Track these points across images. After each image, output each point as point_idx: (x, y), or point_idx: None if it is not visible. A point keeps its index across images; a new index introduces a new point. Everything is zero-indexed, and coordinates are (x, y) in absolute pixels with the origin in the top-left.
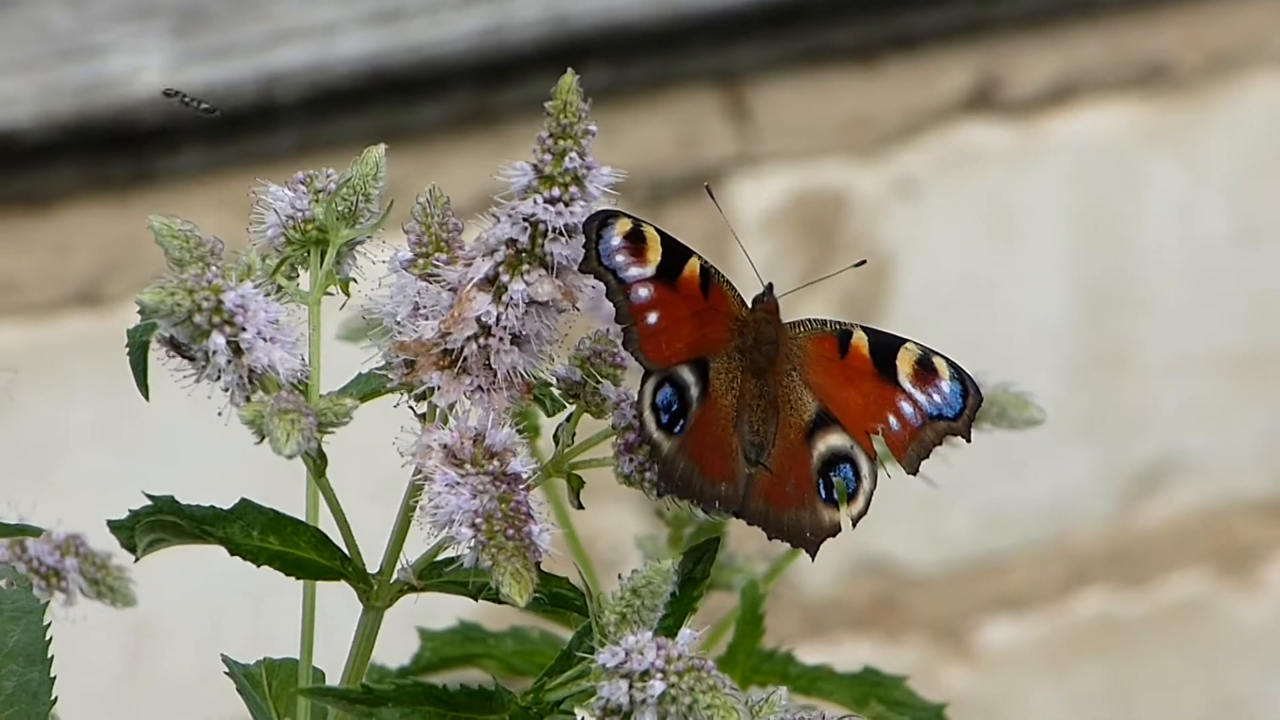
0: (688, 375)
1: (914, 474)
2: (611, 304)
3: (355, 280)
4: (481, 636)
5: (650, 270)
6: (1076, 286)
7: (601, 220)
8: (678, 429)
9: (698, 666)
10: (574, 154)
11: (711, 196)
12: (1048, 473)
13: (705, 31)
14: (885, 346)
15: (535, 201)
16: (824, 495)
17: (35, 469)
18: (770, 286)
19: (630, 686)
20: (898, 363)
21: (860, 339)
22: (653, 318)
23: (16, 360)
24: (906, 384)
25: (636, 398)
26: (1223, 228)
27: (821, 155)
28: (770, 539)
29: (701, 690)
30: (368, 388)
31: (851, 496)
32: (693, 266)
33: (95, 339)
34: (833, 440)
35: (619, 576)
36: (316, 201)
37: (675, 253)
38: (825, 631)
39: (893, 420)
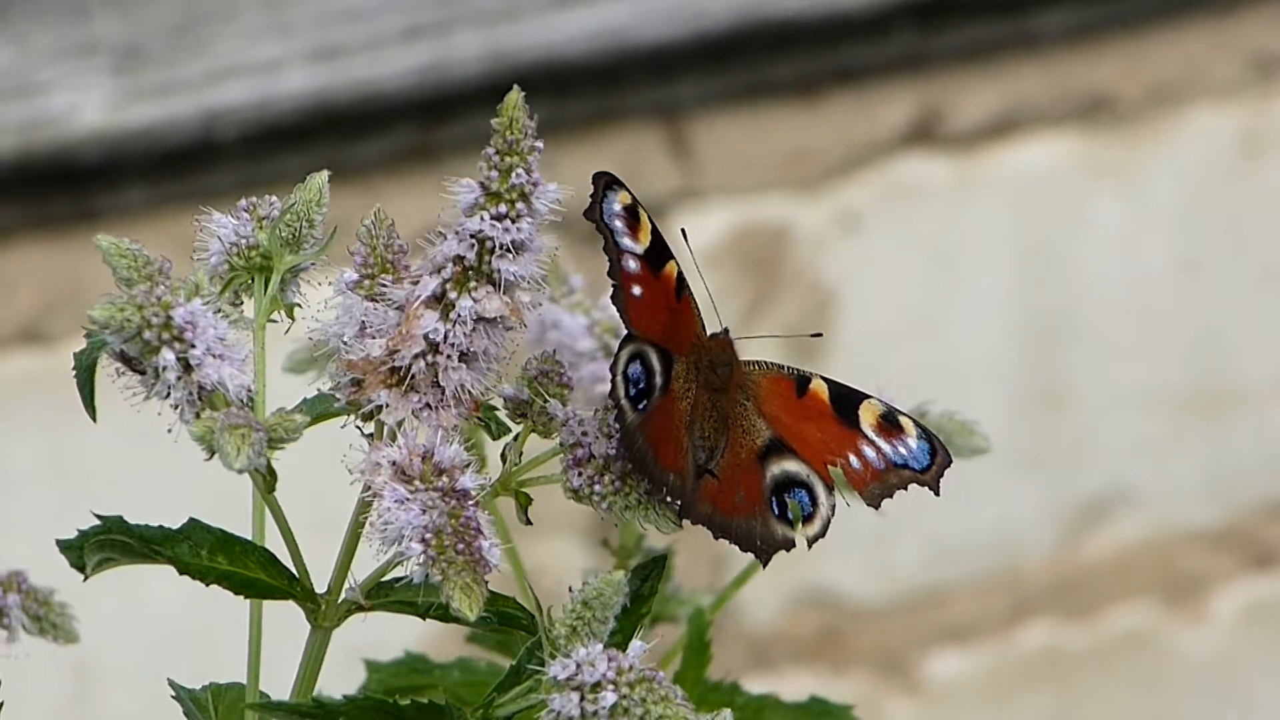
0: (655, 362)
1: (875, 508)
2: (606, 258)
3: (300, 305)
4: (428, 668)
5: (639, 248)
6: (1019, 320)
7: (608, 181)
8: (641, 406)
9: (649, 677)
10: (520, 170)
11: (685, 238)
12: (993, 505)
13: (645, 67)
14: (847, 396)
15: (482, 218)
16: (777, 512)
17: None
18: (727, 330)
19: (582, 699)
20: (860, 412)
21: (819, 385)
22: (637, 290)
23: None
24: (869, 431)
25: (612, 360)
26: (1164, 260)
27: (763, 189)
28: (716, 539)
29: (654, 701)
30: (316, 409)
31: (807, 519)
32: (672, 267)
33: (38, 377)
34: (788, 465)
35: (569, 589)
36: (260, 228)
37: (660, 248)
38: (769, 664)
39: (853, 459)
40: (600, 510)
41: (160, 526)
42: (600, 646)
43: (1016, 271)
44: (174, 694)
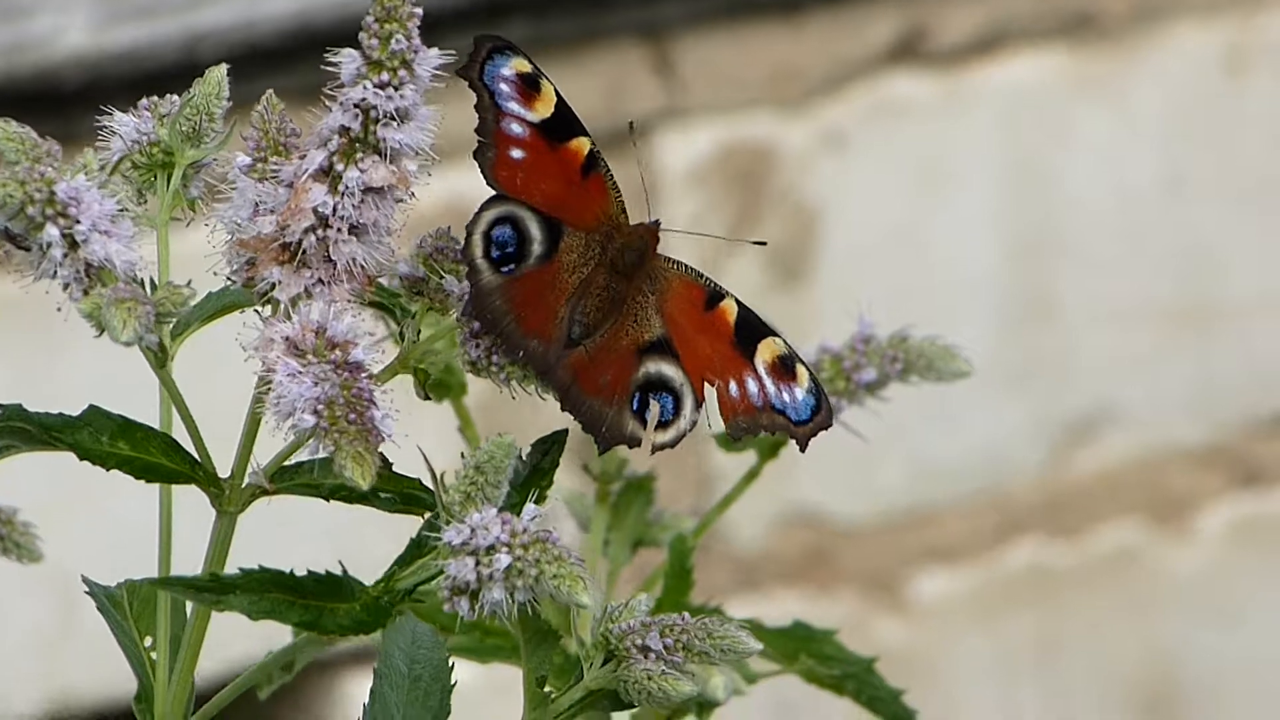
0: (534, 229)
1: (734, 440)
2: (477, 116)
3: (202, 199)
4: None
5: (533, 116)
6: (1005, 237)
7: (496, 45)
8: (505, 269)
9: (543, 539)
10: (400, 36)
11: (634, 142)
12: (979, 424)
13: None
14: (753, 325)
15: (365, 87)
16: (635, 408)
17: None
18: (658, 221)
19: (477, 563)
20: (759, 346)
21: (729, 305)
22: (517, 153)
23: None
24: (760, 366)
25: (471, 219)
26: (1151, 176)
27: (748, 108)
28: (563, 410)
29: (547, 561)
30: (220, 302)
31: (663, 425)
32: (581, 143)
33: (13, 301)
34: (665, 368)
35: (461, 455)
36: (161, 125)
37: (568, 121)
38: (756, 584)
39: (733, 385)
40: (498, 382)
41: (60, 414)
42: (494, 511)
43: (1002, 189)
44: (87, 590)
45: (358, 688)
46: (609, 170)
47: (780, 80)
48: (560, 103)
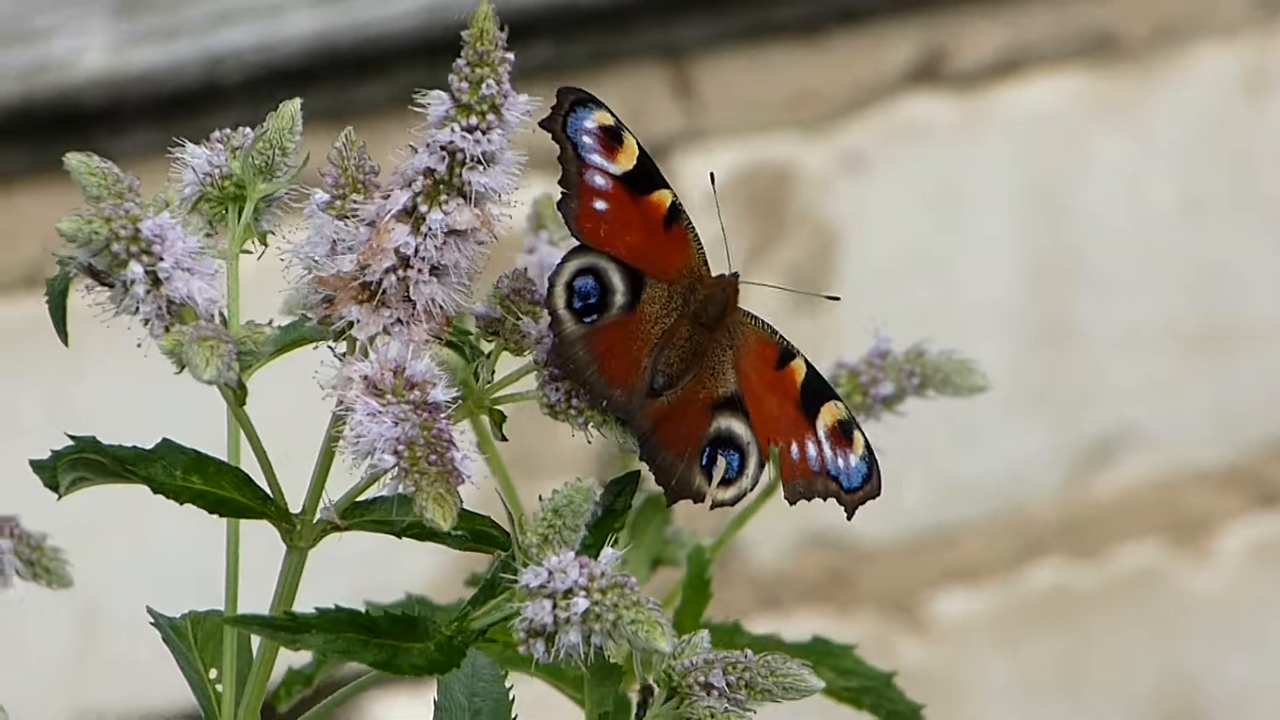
0: (617, 279)
1: (791, 503)
2: (560, 168)
3: (273, 233)
4: (429, 609)
5: (615, 168)
6: (1025, 259)
7: (579, 98)
8: (587, 319)
9: (621, 583)
10: (491, 81)
11: (713, 181)
12: (999, 445)
13: (649, 8)
14: (818, 388)
15: (453, 130)
16: (704, 462)
17: None
18: (737, 274)
19: (554, 606)
20: (822, 410)
21: (799, 365)
22: (600, 205)
23: None
24: (821, 430)
25: (554, 270)
26: (1171, 199)
27: (768, 130)
28: (640, 459)
29: (625, 606)
30: (291, 335)
31: (727, 482)
32: (664, 195)
33: (44, 321)
34: (736, 425)
35: (539, 498)
36: (234, 157)
37: (650, 174)
38: (777, 605)
39: (794, 448)
40: (576, 425)
41: (134, 447)
42: (572, 554)
43: (1022, 211)
44: (152, 621)
45: (381, 708)
46: (691, 223)
47: (800, 102)
48: (643, 155)
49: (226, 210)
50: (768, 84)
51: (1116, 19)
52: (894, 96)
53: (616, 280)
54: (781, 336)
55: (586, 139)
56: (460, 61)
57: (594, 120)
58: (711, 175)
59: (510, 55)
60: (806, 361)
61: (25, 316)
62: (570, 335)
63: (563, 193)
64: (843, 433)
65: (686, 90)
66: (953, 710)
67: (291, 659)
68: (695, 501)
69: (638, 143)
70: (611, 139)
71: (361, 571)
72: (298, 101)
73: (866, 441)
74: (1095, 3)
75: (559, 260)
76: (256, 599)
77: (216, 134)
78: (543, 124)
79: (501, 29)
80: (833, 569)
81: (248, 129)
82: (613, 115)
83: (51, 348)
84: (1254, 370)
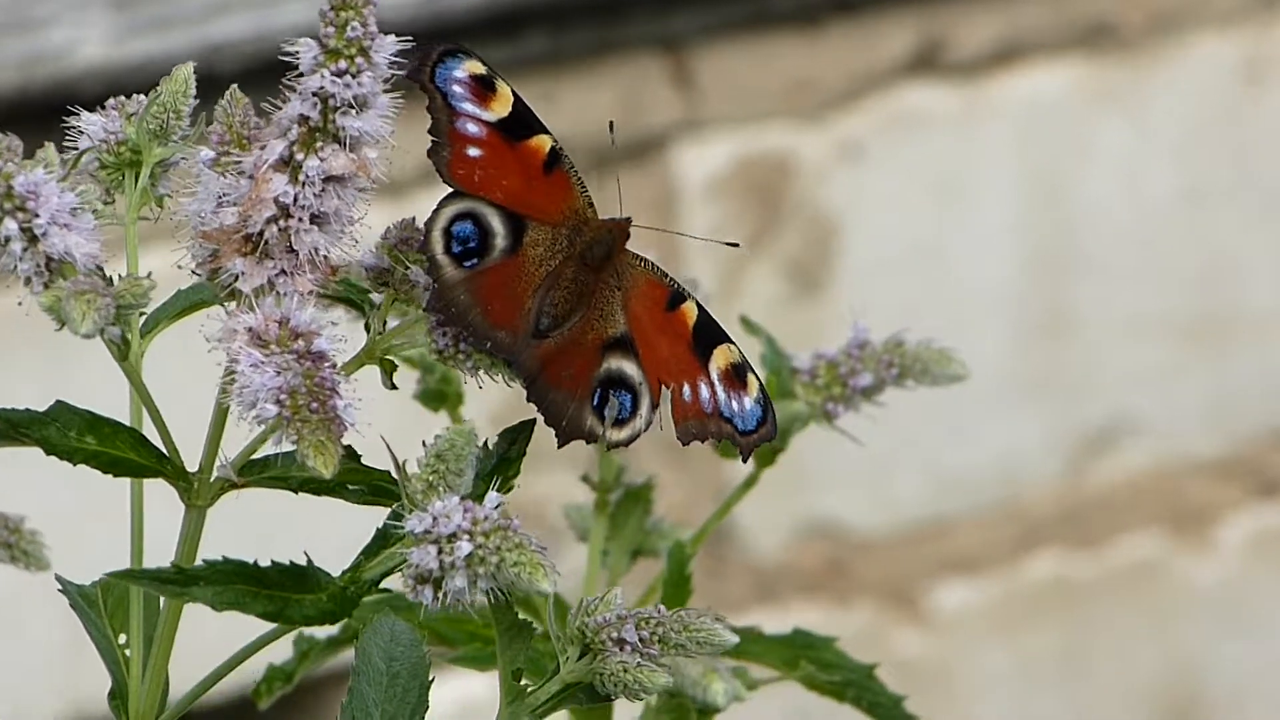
0: (496, 223)
1: (683, 444)
2: (430, 116)
3: (170, 196)
4: (408, 604)
5: (489, 115)
6: (1023, 248)
7: (447, 49)
8: (468, 263)
9: (504, 526)
10: (356, 24)
11: (613, 141)
12: (997, 434)
13: None
14: (710, 330)
15: (323, 75)
16: (595, 404)
17: None
18: (629, 218)
19: (439, 551)
20: (715, 352)
21: (690, 308)
22: (474, 151)
23: None
24: (714, 372)
25: (429, 217)
26: (1169, 188)
27: (765, 119)
28: (528, 400)
29: (509, 549)
30: (190, 299)
31: (620, 422)
32: (543, 140)
33: (36, 312)
34: (626, 366)
35: (422, 443)
36: (129, 124)
37: (527, 120)
38: (775, 596)
39: (686, 389)
40: (466, 370)
41: (27, 409)
42: (456, 499)
43: (1020, 200)
44: (60, 588)
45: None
46: (573, 166)
47: (798, 91)
48: (518, 101)
49: (124, 176)
50: (765, 73)
51: (1113, 7)
52: (892, 86)
53: (496, 224)
54: (672, 279)
55: (457, 88)
56: (325, 6)
57: (464, 69)
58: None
59: None
60: (699, 304)
61: (17, 308)
62: (450, 280)
63: (434, 141)
64: (736, 375)
65: (684, 80)
66: (952, 701)
67: (273, 654)
68: (588, 442)
69: (514, 90)
70: (484, 87)
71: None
72: (191, 64)
73: (761, 384)
74: None
75: (435, 206)
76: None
77: (111, 101)
78: (409, 75)
79: None
80: (830, 559)
81: (141, 96)
82: (484, 64)
83: (43, 341)
84: (1253, 360)
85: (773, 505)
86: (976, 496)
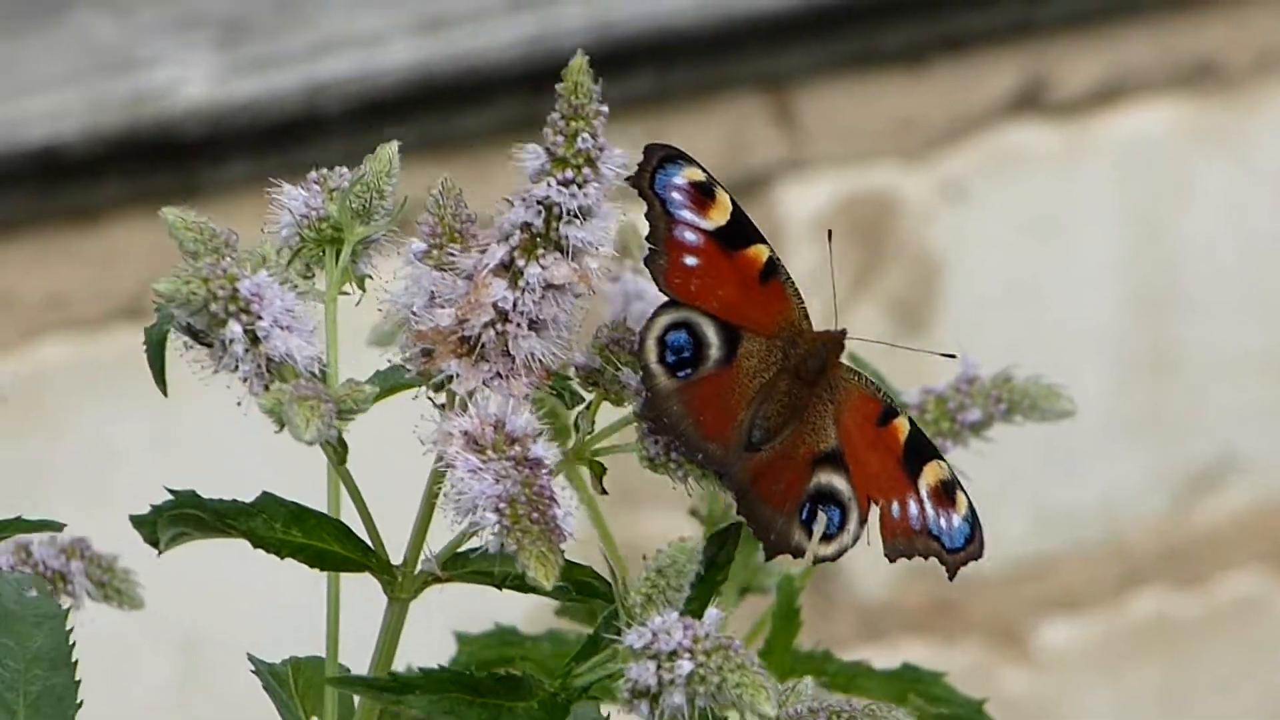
0: (711, 334)
1: (890, 560)
2: (648, 224)
3: (371, 276)
4: (518, 640)
5: (707, 224)
6: (1126, 287)
7: (669, 155)
8: (681, 373)
9: (725, 645)
10: (586, 135)
11: (830, 240)
12: (1101, 473)
13: (752, 36)
14: (921, 447)
15: (549, 184)
16: (804, 518)
17: (87, 484)
18: (844, 330)
19: (658, 667)
20: (925, 469)
21: (902, 424)
22: (690, 260)
23: (67, 375)
24: (924, 489)
25: (644, 324)
26: (1271, 227)
27: (869, 159)
28: (738, 513)
29: (730, 669)
30: (387, 382)
31: (827, 538)
32: (760, 250)
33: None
34: (836, 481)
35: (643, 558)
36: (330, 200)
37: (744, 228)
38: (881, 635)
39: (895, 506)
40: (676, 478)
41: (234, 501)
42: (676, 614)
43: (1123, 239)
44: (253, 668)
45: None
46: (789, 277)
47: (902, 131)
48: (736, 210)
49: (323, 252)
50: (869, 112)
51: (1218, 47)
52: (995, 125)
53: (711, 334)
54: (886, 394)
55: (675, 195)
56: (555, 115)
57: (683, 176)
58: (829, 233)
59: (604, 109)
60: (910, 420)
61: (126, 347)
62: (663, 389)
63: (650, 249)
64: (945, 493)
65: (788, 119)
66: None
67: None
68: (795, 556)
69: (731, 198)
70: (702, 194)
71: (448, 599)
72: (395, 144)
73: (970, 502)
74: (1195, 30)
75: (650, 315)
76: (352, 636)
77: (313, 175)
78: (630, 181)
79: (595, 81)
80: (936, 598)
81: (344, 169)
82: (703, 170)
83: (150, 379)
84: None
85: (878, 544)
86: (1080, 534)
